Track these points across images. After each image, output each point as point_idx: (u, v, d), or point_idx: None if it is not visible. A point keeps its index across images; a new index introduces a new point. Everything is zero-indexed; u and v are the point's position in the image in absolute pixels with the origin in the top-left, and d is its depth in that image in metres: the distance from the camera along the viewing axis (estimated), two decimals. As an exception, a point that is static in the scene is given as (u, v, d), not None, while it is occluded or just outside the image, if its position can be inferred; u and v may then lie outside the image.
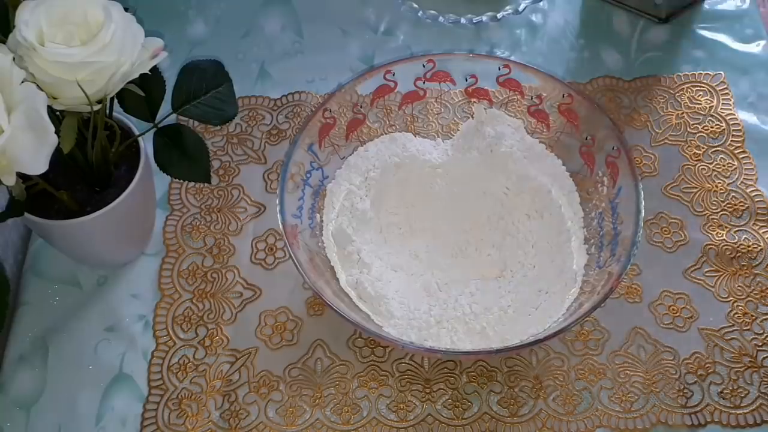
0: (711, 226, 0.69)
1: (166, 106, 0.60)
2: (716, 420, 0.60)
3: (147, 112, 0.60)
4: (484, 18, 0.83)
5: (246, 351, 0.63)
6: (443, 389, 0.62)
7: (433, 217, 0.68)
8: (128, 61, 0.52)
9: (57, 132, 0.49)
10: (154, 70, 0.55)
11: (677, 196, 0.71)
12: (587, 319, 0.62)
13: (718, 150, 0.74)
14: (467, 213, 0.67)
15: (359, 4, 0.85)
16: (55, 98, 0.51)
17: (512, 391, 0.61)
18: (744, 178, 0.72)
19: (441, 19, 0.83)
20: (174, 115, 0.60)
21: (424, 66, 0.68)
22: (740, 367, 0.63)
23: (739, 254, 0.68)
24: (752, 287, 0.66)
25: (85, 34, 0.51)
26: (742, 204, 0.70)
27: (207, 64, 0.61)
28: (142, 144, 0.61)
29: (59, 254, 0.67)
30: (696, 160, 0.73)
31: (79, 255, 0.66)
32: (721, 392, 0.62)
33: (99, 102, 0.52)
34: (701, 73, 0.78)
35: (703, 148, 0.74)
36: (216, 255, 0.68)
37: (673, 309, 0.65)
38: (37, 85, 0.49)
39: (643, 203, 0.60)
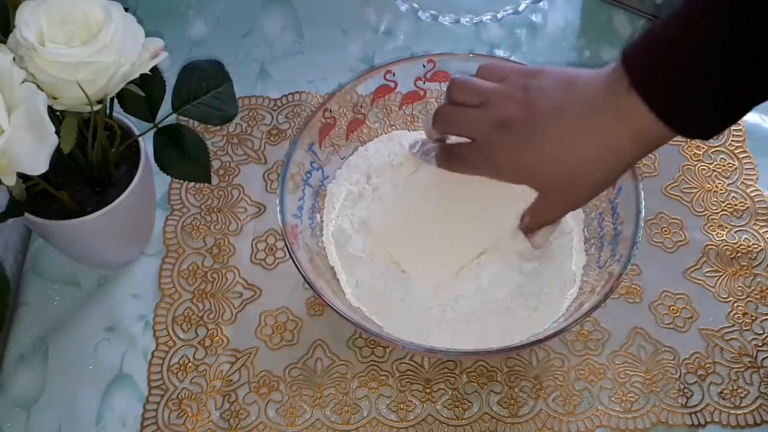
0: (711, 226, 0.69)
1: (166, 106, 0.60)
2: (716, 420, 0.61)
3: (147, 112, 0.60)
4: (484, 18, 0.83)
5: (246, 351, 0.63)
6: (443, 389, 0.62)
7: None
8: (128, 61, 0.52)
9: (57, 132, 0.48)
10: (154, 70, 0.55)
11: (677, 196, 0.71)
12: (587, 319, 0.62)
13: (718, 150, 0.74)
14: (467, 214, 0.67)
15: (359, 4, 0.85)
16: (55, 98, 0.51)
17: (512, 391, 0.61)
18: (744, 178, 0.72)
19: (441, 19, 0.83)
20: (174, 115, 0.60)
21: (424, 66, 0.68)
22: (740, 368, 0.63)
23: (739, 254, 0.68)
24: (752, 287, 0.66)
25: (86, 35, 0.51)
26: (742, 204, 0.70)
27: (207, 64, 0.61)
28: (142, 144, 0.61)
29: (59, 254, 0.67)
30: (696, 160, 0.73)
31: (79, 255, 0.66)
32: (721, 392, 0.62)
33: (99, 102, 0.52)
34: (701, 73, 0.78)
35: (703, 148, 0.74)
36: (216, 255, 0.68)
37: (673, 309, 0.65)
38: (38, 85, 0.49)
39: (643, 203, 0.60)
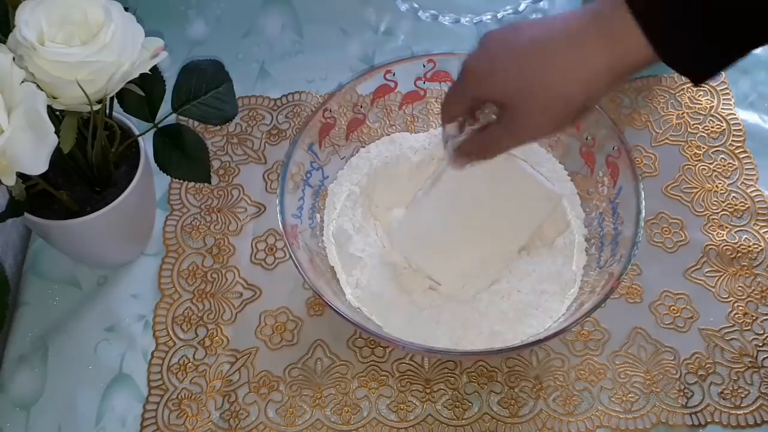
0: (711, 226, 0.69)
1: (166, 106, 0.60)
2: (716, 420, 0.60)
3: (147, 112, 0.60)
4: (484, 18, 0.83)
5: (246, 351, 0.63)
6: (443, 389, 0.62)
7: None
8: (128, 60, 0.52)
9: (57, 132, 0.49)
10: (154, 70, 0.55)
11: (677, 196, 0.71)
12: (587, 319, 0.62)
13: (718, 150, 0.74)
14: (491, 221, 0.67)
15: (359, 4, 0.85)
16: (55, 98, 0.51)
17: (512, 391, 0.61)
18: (744, 178, 0.72)
19: (441, 19, 0.83)
20: (174, 115, 0.60)
21: (424, 66, 0.68)
22: (740, 368, 0.63)
23: (739, 254, 0.68)
24: (752, 287, 0.66)
25: (85, 34, 0.51)
26: (742, 204, 0.70)
27: (207, 64, 0.61)
28: (142, 144, 0.61)
29: (59, 254, 0.67)
30: (696, 160, 0.73)
31: (79, 255, 0.66)
32: (722, 392, 0.62)
33: (99, 102, 0.52)
34: (702, 73, 0.78)
35: (703, 148, 0.74)
36: (216, 255, 0.68)
37: (673, 309, 0.65)
38: (37, 85, 0.49)
39: (643, 203, 0.59)
